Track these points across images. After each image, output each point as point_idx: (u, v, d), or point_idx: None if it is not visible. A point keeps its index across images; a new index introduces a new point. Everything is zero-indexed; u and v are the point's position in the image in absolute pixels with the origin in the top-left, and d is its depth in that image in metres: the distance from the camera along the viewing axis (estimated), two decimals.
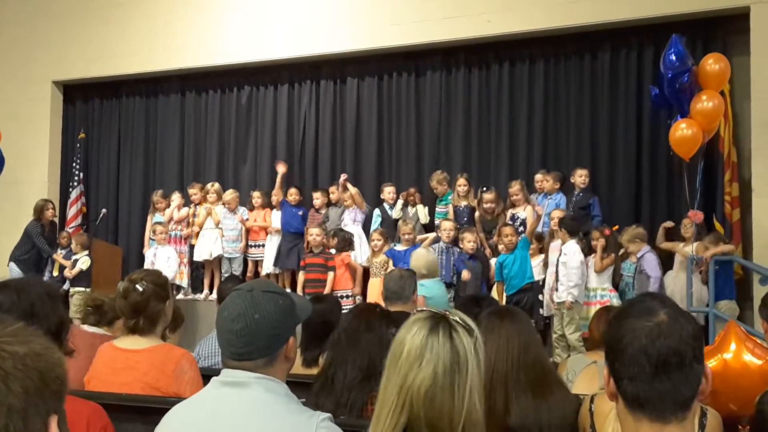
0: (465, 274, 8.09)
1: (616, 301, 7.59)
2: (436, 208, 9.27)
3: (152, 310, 3.12)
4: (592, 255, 7.86)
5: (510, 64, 9.68)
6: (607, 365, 1.59)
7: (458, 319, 1.69)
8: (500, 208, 8.86)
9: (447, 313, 1.70)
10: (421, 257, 5.99)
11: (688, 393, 1.50)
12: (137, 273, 3.28)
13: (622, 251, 8.03)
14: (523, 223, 8.57)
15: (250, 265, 10.02)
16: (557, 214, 8.18)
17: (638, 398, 1.50)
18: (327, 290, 8.37)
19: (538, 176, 8.96)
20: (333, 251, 8.85)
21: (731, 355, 3.51)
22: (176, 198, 10.31)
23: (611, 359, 1.56)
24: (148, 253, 9.91)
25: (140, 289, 3.10)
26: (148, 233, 10.34)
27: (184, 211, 10.26)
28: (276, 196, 9.87)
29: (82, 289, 9.63)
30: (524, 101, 9.56)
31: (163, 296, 3.20)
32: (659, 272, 7.78)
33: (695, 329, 1.54)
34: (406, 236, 8.61)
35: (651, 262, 7.79)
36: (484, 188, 9.02)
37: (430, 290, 5.51)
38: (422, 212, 9.28)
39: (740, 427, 3.29)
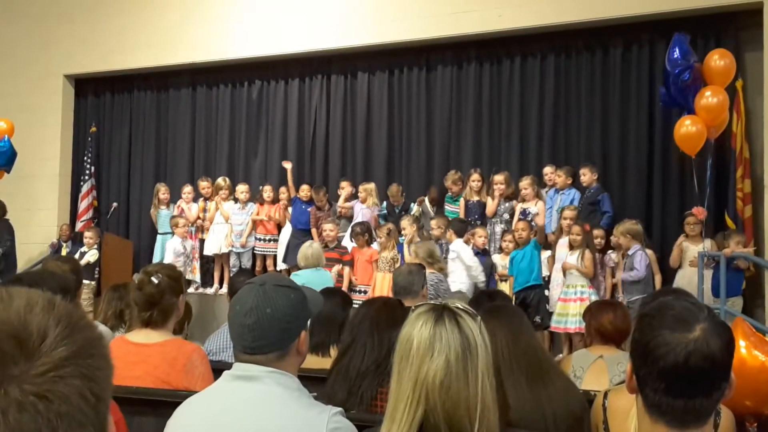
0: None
1: (594, 298, 7.54)
2: (447, 207, 9.25)
3: (166, 303, 3.13)
4: (569, 252, 7.89)
5: (521, 59, 9.66)
6: (631, 363, 1.58)
7: (460, 306, 1.70)
8: (510, 191, 8.85)
9: (446, 303, 1.71)
10: (301, 250, 6.59)
11: (711, 407, 1.52)
12: (152, 266, 3.29)
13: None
14: (534, 217, 8.57)
15: (259, 260, 10.03)
16: (569, 214, 8.14)
17: (660, 407, 1.51)
18: (345, 285, 8.35)
19: (547, 169, 8.95)
20: (350, 246, 8.83)
21: (746, 351, 3.50)
22: (182, 201, 10.31)
23: (638, 363, 1.56)
24: (174, 242, 9.77)
25: (155, 281, 3.11)
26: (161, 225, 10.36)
27: (195, 208, 10.27)
28: (287, 193, 9.89)
29: (86, 281, 9.68)
30: (535, 96, 9.54)
31: (177, 290, 3.20)
32: (644, 272, 7.61)
33: (729, 345, 1.53)
34: (404, 231, 8.57)
35: (641, 262, 7.64)
36: (495, 169, 9.14)
37: (303, 278, 6.01)
38: (434, 210, 9.29)
39: (747, 424, 3.28)
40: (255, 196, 10.09)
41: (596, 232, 8.00)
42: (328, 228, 8.81)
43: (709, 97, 7.42)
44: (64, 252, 10.34)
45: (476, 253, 8.24)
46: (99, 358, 0.87)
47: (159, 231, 10.37)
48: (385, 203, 9.54)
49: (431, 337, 1.62)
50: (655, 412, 1.52)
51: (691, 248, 7.84)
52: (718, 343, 1.49)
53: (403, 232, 8.59)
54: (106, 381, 0.87)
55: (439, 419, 1.58)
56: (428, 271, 5.54)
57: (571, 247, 7.85)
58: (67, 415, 0.80)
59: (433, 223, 8.61)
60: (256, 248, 9.99)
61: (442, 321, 1.64)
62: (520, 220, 8.33)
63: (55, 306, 0.88)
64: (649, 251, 7.88)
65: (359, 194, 9.46)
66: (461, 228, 8.37)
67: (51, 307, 0.87)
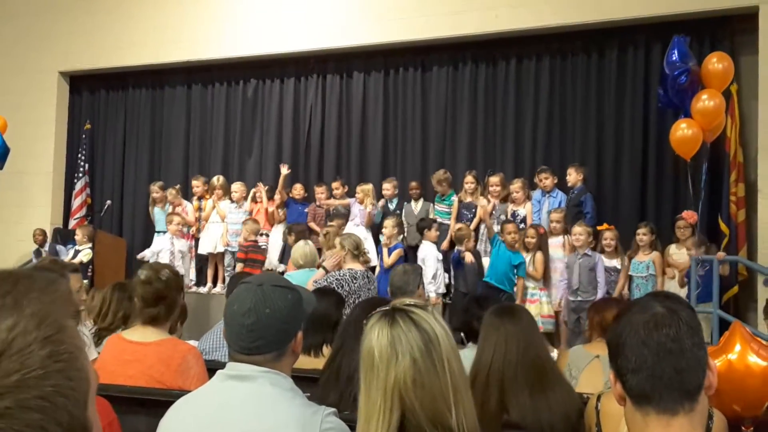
0: (468, 257, 8.10)
1: (546, 300, 7.92)
2: (436, 206, 9.24)
3: (171, 300, 3.15)
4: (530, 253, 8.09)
5: (517, 60, 9.66)
6: (612, 367, 1.59)
7: (408, 302, 1.72)
8: (506, 192, 8.89)
9: (394, 304, 1.72)
10: (298, 249, 6.41)
11: (693, 380, 1.49)
12: (155, 263, 3.32)
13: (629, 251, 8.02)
14: (524, 220, 8.63)
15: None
16: (556, 216, 8.25)
17: (644, 390, 1.50)
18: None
19: (543, 175, 8.95)
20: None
21: (735, 356, 3.51)
22: (187, 207, 10.32)
23: (614, 357, 1.57)
24: (163, 240, 9.74)
25: (163, 278, 3.12)
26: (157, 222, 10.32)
27: (190, 208, 10.24)
28: (279, 195, 9.87)
29: None
30: (530, 98, 9.54)
31: (180, 288, 3.26)
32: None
33: (692, 317, 1.55)
34: (384, 230, 8.58)
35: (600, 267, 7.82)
36: (491, 171, 9.15)
37: (297, 279, 5.77)
38: (417, 207, 9.27)
39: (743, 428, 3.28)
40: (249, 196, 10.08)
41: (579, 229, 7.98)
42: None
43: (706, 101, 7.43)
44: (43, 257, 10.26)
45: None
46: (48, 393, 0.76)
47: (156, 229, 10.35)
48: (379, 203, 9.49)
49: (391, 342, 1.62)
50: (642, 400, 1.51)
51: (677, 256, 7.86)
52: (680, 314, 1.52)
53: (383, 231, 8.60)
54: (66, 411, 0.77)
55: (420, 417, 1.58)
56: (349, 265, 5.59)
57: (527, 249, 8.07)
58: None
59: (386, 223, 8.65)
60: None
61: (397, 323, 1.65)
62: (509, 222, 8.35)
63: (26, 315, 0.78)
64: (655, 253, 7.89)
65: (356, 195, 9.45)
66: (425, 227, 8.52)
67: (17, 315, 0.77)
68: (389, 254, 8.43)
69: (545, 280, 8.08)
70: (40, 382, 0.76)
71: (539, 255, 8.03)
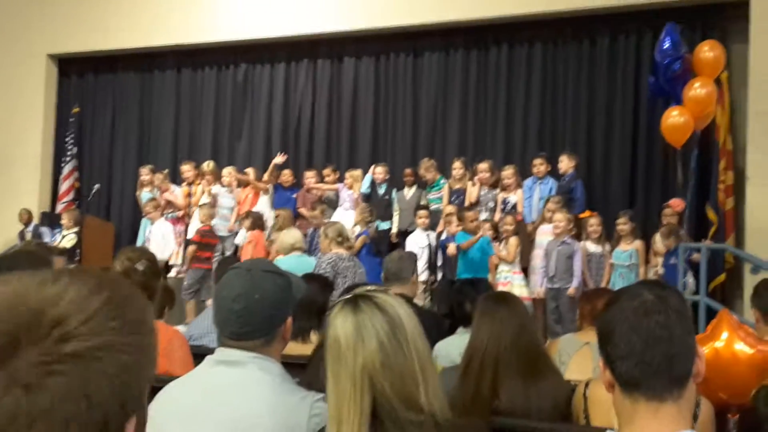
0: (451, 248, 8.13)
1: (518, 283, 7.92)
2: (429, 195, 9.25)
3: (151, 291, 3.11)
4: (502, 241, 8.13)
5: (508, 46, 9.65)
6: (601, 354, 1.59)
7: (370, 288, 1.74)
8: (494, 179, 8.89)
9: (356, 291, 1.73)
10: (287, 234, 6.51)
11: (682, 367, 1.50)
12: (130, 251, 3.24)
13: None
14: (515, 206, 8.63)
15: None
16: (552, 206, 8.20)
17: (633, 377, 1.50)
18: None
19: (537, 160, 8.94)
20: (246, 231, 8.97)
21: (722, 343, 3.52)
22: (176, 191, 10.28)
23: (603, 344, 1.56)
24: (143, 230, 9.84)
25: (141, 269, 3.09)
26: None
27: (179, 192, 10.20)
28: (266, 180, 9.84)
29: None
30: (522, 84, 9.55)
31: (158, 273, 3.20)
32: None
33: (682, 304, 1.55)
34: (355, 217, 8.73)
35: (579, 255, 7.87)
36: (480, 157, 9.16)
37: (285, 264, 5.84)
38: (410, 193, 9.28)
39: (729, 416, 3.30)
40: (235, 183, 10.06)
41: (560, 216, 8.00)
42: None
43: (698, 89, 7.47)
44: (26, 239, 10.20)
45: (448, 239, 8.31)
46: (114, 360, 0.83)
47: (143, 213, 10.31)
48: (369, 182, 9.44)
49: (355, 329, 1.63)
50: (631, 386, 1.51)
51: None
52: (670, 301, 1.51)
53: (355, 218, 8.70)
54: (114, 387, 0.82)
55: (391, 398, 1.59)
56: (335, 250, 5.75)
57: (504, 236, 8.17)
58: (49, 411, 0.77)
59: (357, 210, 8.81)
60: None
61: (361, 309, 1.65)
62: (467, 209, 8.40)
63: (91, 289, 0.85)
64: (638, 242, 7.92)
65: (345, 180, 9.44)
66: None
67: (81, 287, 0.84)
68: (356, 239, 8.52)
69: (522, 264, 8.13)
70: (123, 339, 0.85)
71: (513, 239, 8.06)
